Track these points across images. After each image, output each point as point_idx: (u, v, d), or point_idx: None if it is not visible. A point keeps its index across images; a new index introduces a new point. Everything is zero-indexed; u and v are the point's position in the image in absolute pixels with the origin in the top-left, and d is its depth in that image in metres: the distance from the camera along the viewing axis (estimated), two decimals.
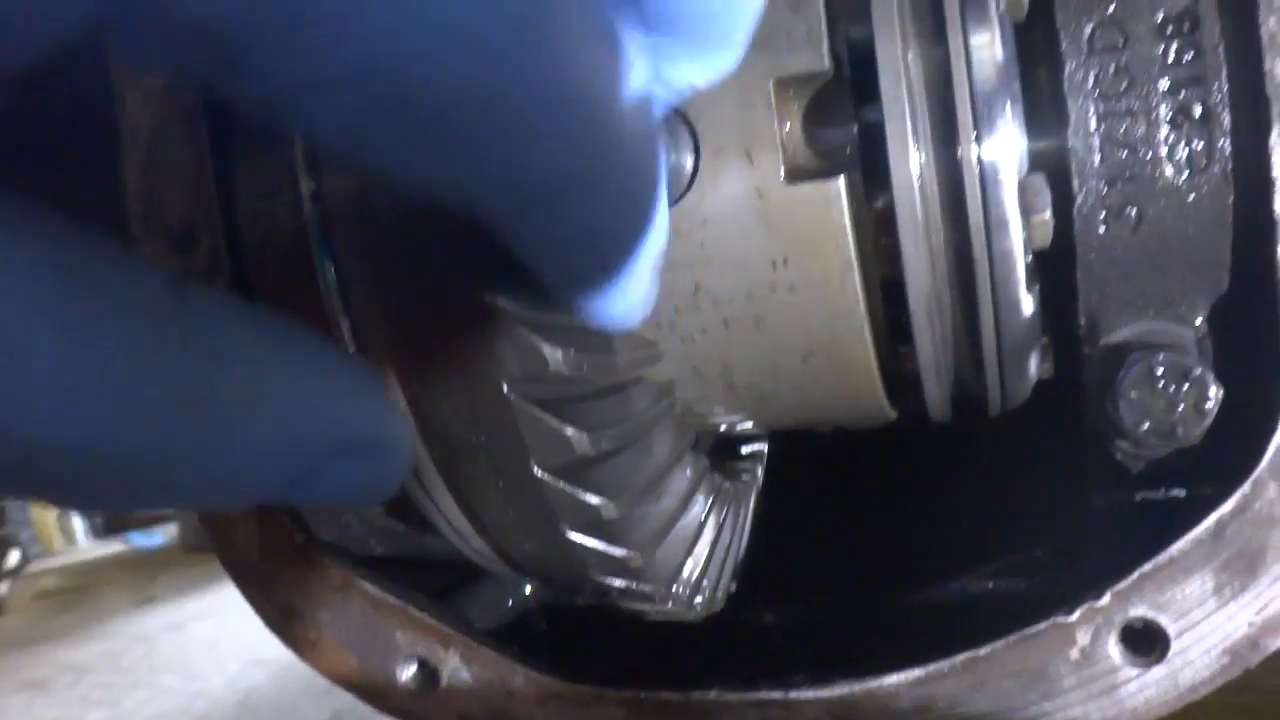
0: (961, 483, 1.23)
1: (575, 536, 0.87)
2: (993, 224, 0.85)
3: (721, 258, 0.90)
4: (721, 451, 1.23)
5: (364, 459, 0.54)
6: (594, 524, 0.86)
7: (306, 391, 0.51)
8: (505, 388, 0.79)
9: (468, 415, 0.84)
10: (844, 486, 1.37)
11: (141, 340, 0.43)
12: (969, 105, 0.83)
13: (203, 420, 0.45)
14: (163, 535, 6.13)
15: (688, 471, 0.99)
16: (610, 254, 0.59)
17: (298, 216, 0.91)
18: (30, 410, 0.40)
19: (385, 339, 0.85)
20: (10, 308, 0.39)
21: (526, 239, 0.56)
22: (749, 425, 1.08)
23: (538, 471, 0.82)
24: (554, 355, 0.78)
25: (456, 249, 0.79)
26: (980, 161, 0.84)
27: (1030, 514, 1.17)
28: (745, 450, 1.22)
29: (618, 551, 0.88)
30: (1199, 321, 0.91)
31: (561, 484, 0.83)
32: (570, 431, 0.80)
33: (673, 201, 0.89)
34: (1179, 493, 1.02)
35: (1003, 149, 0.84)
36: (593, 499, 0.84)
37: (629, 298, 0.64)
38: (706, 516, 1.02)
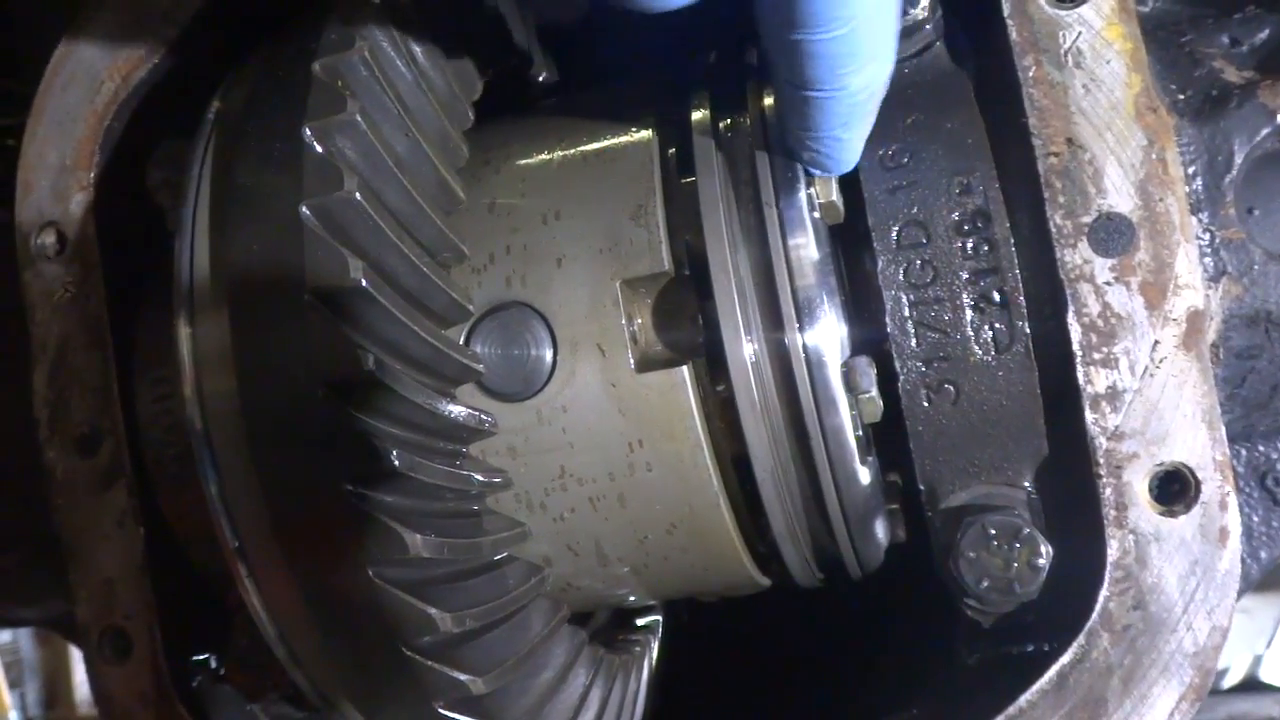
0: (845, 645, 1.27)
1: (448, 713, 0.90)
2: (822, 402, 0.93)
3: (582, 442, 0.97)
4: (617, 625, 1.27)
5: None
6: (466, 700, 0.90)
7: None
8: (370, 573, 0.84)
9: (342, 600, 0.89)
10: (735, 655, 1.40)
11: None
12: (790, 298, 0.93)
13: None
14: None
15: (566, 645, 1.03)
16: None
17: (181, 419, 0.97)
18: None
19: (261, 532, 0.90)
20: None
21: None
22: (631, 598, 1.13)
23: (405, 651, 0.87)
24: (413, 540, 0.84)
25: (324, 443, 0.86)
26: (805, 347, 0.93)
27: (908, 673, 1.21)
28: (639, 622, 1.26)
29: None
30: (1027, 484, 0.98)
31: (429, 662, 0.87)
32: (433, 611, 0.85)
33: (533, 393, 0.97)
34: (1043, 647, 1.07)
35: (824, 335, 0.93)
36: (461, 676, 0.87)
37: None
38: (590, 688, 1.06)
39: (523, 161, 1.04)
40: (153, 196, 1.18)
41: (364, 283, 0.83)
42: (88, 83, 1.17)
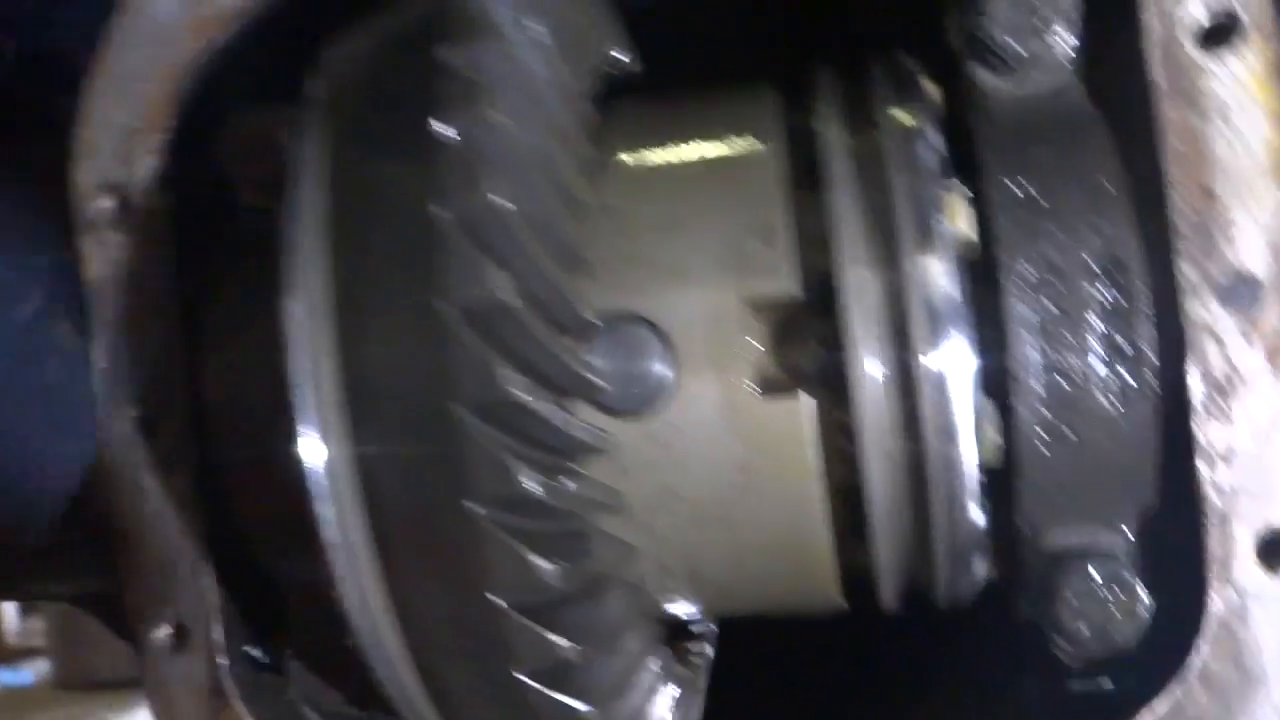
0: (901, 670, 1.28)
1: None
2: (945, 437, 0.92)
3: (692, 463, 0.95)
4: (673, 631, 1.26)
5: None
6: None
7: None
8: (492, 597, 0.82)
9: (452, 620, 0.86)
10: (790, 676, 1.40)
11: None
12: (921, 328, 0.91)
13: None
14: (33, 672, 5.76)
15: (655, 667, 1.01)
16: None
17: (270, 401, 0.93)
18: None
19: (371, 537, 0.87)
20: None
21: None
22: (707, 612, 1.11)
23: (522, 677, 0.84)
24: (541, 567, 0.81)
25: (445, 456, 0.82)
26: (932, 379, 0.91)
27: (968, 702, 1.22)
28: (695, 629, 1.25)
29: None
30: (1129, 531, 0.98)
31: (545, 689, 0.85)
32: (556, 638, 0.83)
33: (648, 411, 0.94)
34: (1108, 685, 1.08)
35: (952, 369, 0.92)
36: (576, 704, 0.85)
37: None
38: (668, 707, 1.04)
39: (637, 163, 1.01)
40: (227, 166, 1.12)
41: (503, 296, 0.80)
42: (161, 39, 1.09)
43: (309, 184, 0.90)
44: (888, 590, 1.02)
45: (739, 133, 1.01)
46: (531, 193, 0.85)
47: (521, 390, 0.80)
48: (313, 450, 0.87)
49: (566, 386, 0.88)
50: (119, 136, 1.10)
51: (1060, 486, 0.96)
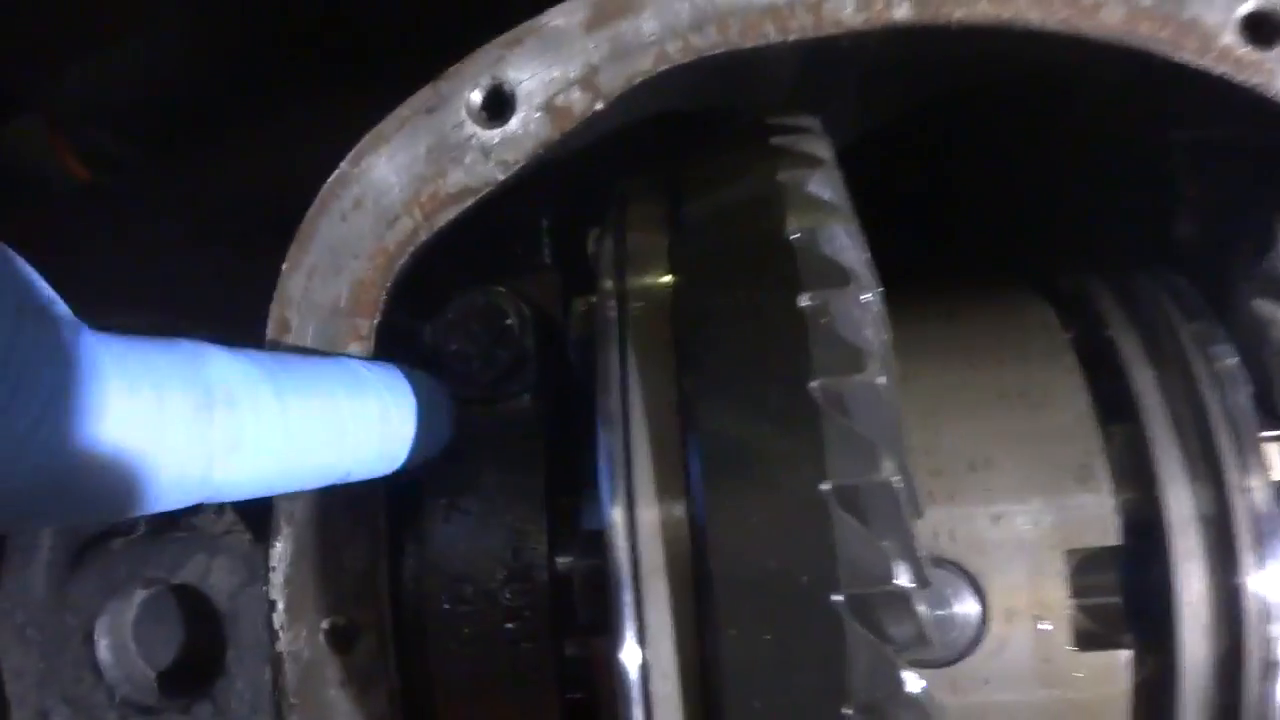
0: None
1: None
2: (1264, 670, 0.86)
3: (993, 712, 0.90)
4: None
5: None
6: None
7: None
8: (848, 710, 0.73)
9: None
10: None
11: None
12: (1250, 554, 0.86)
13: None
14: None
15: None
16: None
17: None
18: None
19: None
20: None
21: None
22: None
23: None
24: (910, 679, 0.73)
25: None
26: (1258, 606, 0.86)
27: None
28: None
29: None
30: None
31: None
32: None
33: (955, 661, 0.89)
34: None
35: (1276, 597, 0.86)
36: None
37: None
38: None
39: (930, 388, 0.94)
40: (441, 357, 1.02)
41: (898, 581, 0.73)
42: (379, 214, 0.98)
43: (628, 401, 0.81)
44: None
45: (1032, 351, 0.96)
46: (898, 455, 0.79)
47: (906, 682, 0.74)
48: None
49: (908, 650, 0.82)
50: (324, 317, 0.99)
51: None
